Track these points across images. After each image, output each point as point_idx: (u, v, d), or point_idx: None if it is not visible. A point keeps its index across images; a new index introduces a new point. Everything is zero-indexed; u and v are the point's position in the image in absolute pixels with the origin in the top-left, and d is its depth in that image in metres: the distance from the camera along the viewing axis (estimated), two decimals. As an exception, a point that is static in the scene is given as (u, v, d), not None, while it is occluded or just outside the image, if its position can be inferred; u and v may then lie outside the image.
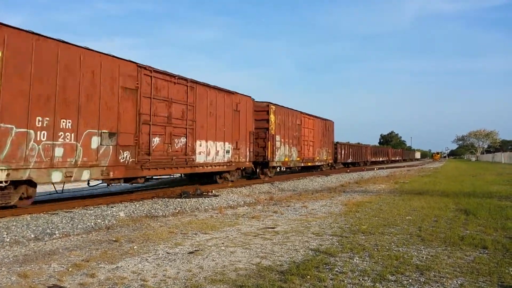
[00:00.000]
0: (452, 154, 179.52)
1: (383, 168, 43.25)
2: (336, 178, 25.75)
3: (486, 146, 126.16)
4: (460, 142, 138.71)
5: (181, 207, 12.08)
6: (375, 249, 6.65)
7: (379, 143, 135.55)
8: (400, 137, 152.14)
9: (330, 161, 34.19)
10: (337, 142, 38.21)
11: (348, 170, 36.30)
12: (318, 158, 30.07)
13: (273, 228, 8.77)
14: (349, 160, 43.01)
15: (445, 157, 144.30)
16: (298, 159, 25.79)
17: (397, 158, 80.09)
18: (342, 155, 39.79)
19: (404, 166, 51.86)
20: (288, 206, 12.28)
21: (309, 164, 28.60)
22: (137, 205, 11.93)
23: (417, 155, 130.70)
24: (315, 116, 29.65)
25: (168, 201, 12.85)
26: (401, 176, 29.29)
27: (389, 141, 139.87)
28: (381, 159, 63.72)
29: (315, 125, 29.52)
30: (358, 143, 53.20)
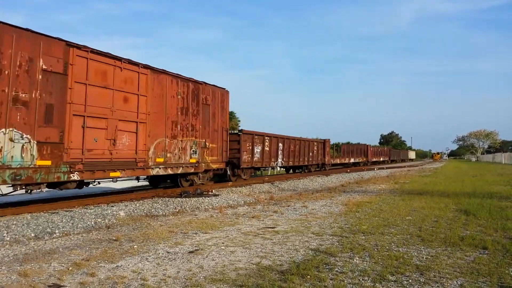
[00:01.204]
0: (453, 154, 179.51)
1: (383, 168, 43.20)
2: (336, 178, 25.76)
3: (486, 147, 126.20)
4: (461, 142, 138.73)
5: (181, 207, 12.09)
6: (375, 249, 6.65)
7: (380, 143, 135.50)
8: (400, 137, 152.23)
9: (218, 166, 17.32)
10: (242, 131, 20.49)
11: (349, 170, 36.18)
12: (161, 159, 13.61)
13: (273, 227, 8.77)
14: (279, 163, 24.79)
15: (443, 157, 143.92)
16: (41, 163, 9.55)
17: (381, 159, 62.32)
18: (258, 155, 21.79)
19: (404, 166, 51.80)
20: (288, 206, 12.28)
21: (119, 174, 12.03)
22: (137, 204, 11.93)
23: (411, 154, 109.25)
24: (156, 70, 13.51)
25: (168, 201, 12.85)
26: (401, 176, 29.30)
27: (390, 141, 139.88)
28: (352, 160, 46.99)
29: (155, 86, 13.48)
30: (318, 138, 34.26)
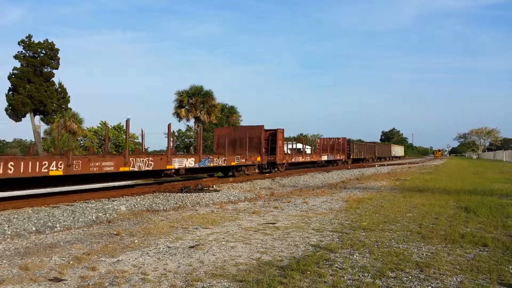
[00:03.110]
0: (454, 151, 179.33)
1: (384, 165, 43.14)
2: (337, 175, 25.76)
3: (487, 144, 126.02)
4: (462, 139, 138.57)
5: (182, 202, 12.11)
6: (375, 246, 6.66)
7: (381, 140, 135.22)
8: (402, 134, 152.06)
9: None
10: None
11: (349, 167, 36.08)
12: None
13: (274, 223, 8.78)
14: None
15: (446, 155, 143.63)
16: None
17: (323, 159, 33.87)
18: None
19: (405, 163, 51.59)
20: (288, 202, 12.30)
21: None
22: (138, 199, 11.96)
23: (397, 150, 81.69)
24: None
25: (169, 196, 12.87)
26: (402, 173, 29.30)
27: (390, 137, 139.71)
28: (188, 163, 15.58)
29: None
30: None
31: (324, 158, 34.33)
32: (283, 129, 24.92)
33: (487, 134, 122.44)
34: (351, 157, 42.96)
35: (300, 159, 29.08)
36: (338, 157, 37.74)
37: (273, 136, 24.62)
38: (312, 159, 31.71)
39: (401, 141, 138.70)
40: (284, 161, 25.40)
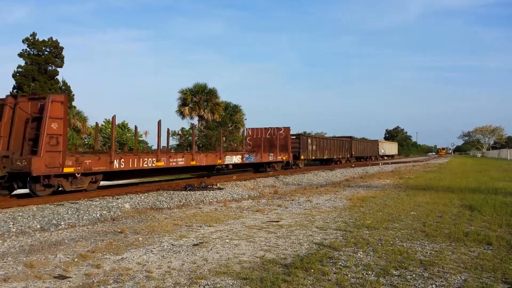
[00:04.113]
0: (458, 149, 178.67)
1: (387, 163, 42.99)
2: (341, 173, 25.74)
3: (492, 142, 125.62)
4: (466, 138, 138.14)
5: (186, 200, 12.14)
6: (379, 244, 6.65)
7: (385, 138, 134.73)
8: (406, 132, 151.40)
9: None
10: None
11: (353, 165, 36.07)
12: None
13: (277, 221, 8.79)
14: None
15: (450, 153, 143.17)
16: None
17: (227, 162, 19.13)
18: None
19: (409, 162, 51.39)
20: (292, 200, 12.30)
21: None
22: (142, 197, 11.99)
23: (387, 148, 66.75)
24: None
25: (173, 194, 12.91)
26: (406, 171, 29.22)
27: (395, 136, 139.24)
28: None
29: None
30: None
31: (235, 160, 20.18)
32: (64, 96, 11.54)
33: (492, 132, 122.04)
34: (302, 157, 29.53)
35: (149, 163, 14.16)
36: (271, 158, 24.27)
37: (40, 112, 11.07)
38: (194, 163, 16.80)
39: (405, 139, 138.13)
40: (73, 169, 11.31)
